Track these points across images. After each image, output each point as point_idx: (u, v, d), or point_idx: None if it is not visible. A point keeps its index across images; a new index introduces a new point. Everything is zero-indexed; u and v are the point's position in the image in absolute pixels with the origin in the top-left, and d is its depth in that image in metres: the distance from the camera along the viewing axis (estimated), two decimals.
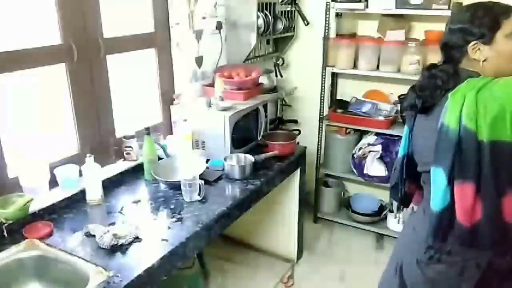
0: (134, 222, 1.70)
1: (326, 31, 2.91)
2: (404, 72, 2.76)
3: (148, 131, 2.06)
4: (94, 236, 1.58)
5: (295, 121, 3.28)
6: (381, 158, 2.93)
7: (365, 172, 2.98)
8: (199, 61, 2.59)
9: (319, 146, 3.19)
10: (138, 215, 1.80)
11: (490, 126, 1.13)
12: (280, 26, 2.91)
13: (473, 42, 1.25)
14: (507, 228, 1.21)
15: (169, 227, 1.70)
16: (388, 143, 2.98)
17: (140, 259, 1.48)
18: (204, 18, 2.56)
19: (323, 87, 3.05)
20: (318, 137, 3.16)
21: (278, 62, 3.19)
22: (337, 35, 2.96)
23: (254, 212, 2.21)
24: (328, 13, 2.86)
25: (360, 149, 3.01)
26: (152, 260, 1.48)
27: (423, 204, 1.42)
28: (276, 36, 2.95)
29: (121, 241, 1.54)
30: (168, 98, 2.50)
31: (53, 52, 1.82)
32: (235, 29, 2.73)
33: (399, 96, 3.02)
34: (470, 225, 1.20)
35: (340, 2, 2.80)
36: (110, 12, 2.04)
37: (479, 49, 1.25)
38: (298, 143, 2.64)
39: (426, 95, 1.30)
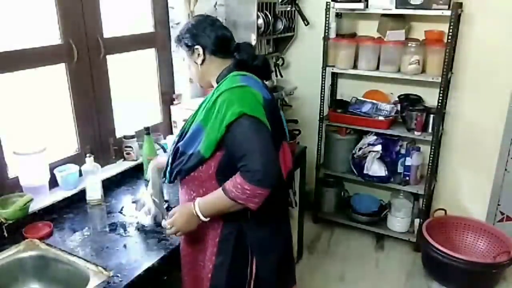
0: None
1: (326, 31, 2.91)
2: (404, 72, 2.76)
3: (148, 131, 2.06)
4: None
5: (295, 121, 3.28)
6: (381, 158, 2.93)
7: (365, 172, 2.98)
8: None
9: (319, 146, 3.19)
10: (138, 215, 1.79)
11: None
12: (280, 26, 2.90)
13: None
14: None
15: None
16: (388, 143, 2.98)
17: (140, 259, 1.48)
18: None
19: (323, 87, 3.05)
20: (318, 137, 3.16)
21: (278, 62, 3.19)
22: (337, 35, 2.96)
23: None
24: (328, 13, 2.86)
25: (360, 149, 3.01)
26: (152, 260, 1.47)
27: None
28: (276, 36, 2.95)
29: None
30: (168, 98, 2.50)
31: (53, 52, 1.82)
32: (235, 29, 2.72)
33: (399, 96, 3.03)
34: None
35: (340, 2, 2.80)
36: (110, 12, 2.04)
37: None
38: (298, 143, 2.64)
39: None
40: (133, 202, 1.88)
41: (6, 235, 1.58)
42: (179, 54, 1.45)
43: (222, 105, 1.25)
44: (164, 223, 1.42)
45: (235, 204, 1.24)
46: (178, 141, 1.39)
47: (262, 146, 1.22)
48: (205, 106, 1.32)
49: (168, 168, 1.41)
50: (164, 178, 1.46)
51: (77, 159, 1.96)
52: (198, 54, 1.40)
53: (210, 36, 1.39)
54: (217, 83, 1.38)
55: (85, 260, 1.47)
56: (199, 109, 1.36)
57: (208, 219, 1.32)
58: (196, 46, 1.39)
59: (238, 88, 1.28)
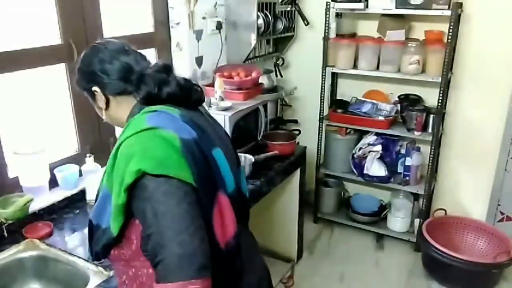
0: None
1: (326, 31, 2.91)
2: (404, 72, 2.76)
3: None
4: None
5: (295, 121, 3.28)
6: (381, 158, 2.93)
7: (365, 172, 2.98)
8: (199, 61, 2.59)
9: (319, 146, 3.18)
10: None
11: None
12: (280, 26, 2.91)
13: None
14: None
15: None
16: (388, 143, 2.98)
17: None
18: (204, 18, 2.56)
19: (323, 87, 3.04)
20: (318, 137, 3.16)
21: (278, 62, 3.19)
22: (337, 35, 2.96)
23: (254, 212, 2.20)
24: (328, 13, 2.86)
25: (360, 149, 3.01)
26: None
27: None
28: (276, 36, 2.95)
29: None
30: None
31: (53, 52, 1.82)
32: (235, 29, 2.73)
33: (399, 96, 3.03)
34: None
35: (340, 2, 2.80)
36: (110, 12, 2.04)
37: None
38: (298, 143, 2.64)
39: None
40: None
41: (6, 235, 1.58)
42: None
43: (121, 160, 0.95)
44: None
45: None
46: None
47: (171, 221, 0.88)
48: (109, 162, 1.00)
49: (88, 245, 1.08)
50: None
51: (77, 159, 1.96)
52: (100, 97, 1.12)
53: (105, 70, 1.08)
54: None
55: (85, 260, 1.47)
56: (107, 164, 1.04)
57: None
58: (94, 88, 1.10)
59: (142, 133, 0.97)
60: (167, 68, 1.11)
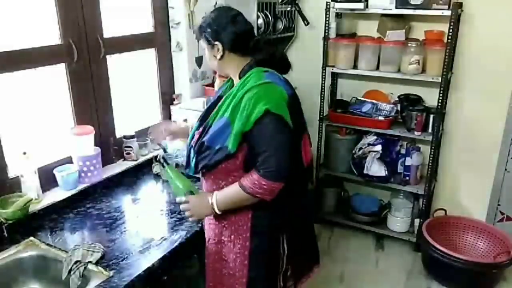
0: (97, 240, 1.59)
1: (326, 31, 2.91)
2: (404, 72, 2.76)
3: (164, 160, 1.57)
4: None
5: None
6: (381, 158, 2.93)
7: (365, 172, 2.98)
8: (199, 61, 2.59)
9: (319, 146, 3.18)
10: (138, 215, 1.80)
11: None
12: (280, 26, 2.91)
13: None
14: None
15: (169, 227, 1.70)
16: (388, 143, 2.98)
17: (140, 259, 1.48)
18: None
19: (323, 87, 3.05)
20: (318, 137, 3.16)
21: None
22: (337, 35, 2.96)
23: None
24: (328, 13, 2.86)
25: (360, 149, 3.01)
26: (152, 260, 1.47)
27: None
28: (276, 36, 2.95)
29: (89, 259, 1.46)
30: (168, 98, 2.50)
31: (53, 52, 1.82)
32: None
33: (399, 96, 3.03)
34: None
35: (340, 2, 2.80)
36: (110, 12, 2.04)
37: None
38: None
39: None
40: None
41: (6, 235, 1.58)
42: (200, 43, 1.52)
43: (249, 101, 1.31)
44: (179, 199, 1.48)
45: (252, 198, 1.35)
46: (201, 135, 1.42)
47: (279, 146, 1.32)
48: (230, 102, 1.36)
49: (193, 161, 1.45)
50: (188, 169, 1.49)
51: None
52: (218, 49, 1.44)
53: (230, 33, 1.43)
54: (239, 78, 1.43)
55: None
56: (223, 104, 1.40)
57: (220, 212, 1.42)
58: (216, 42, 1.43)
59: (264, 85, 1.35)
60: (272, 44, 1.48)
